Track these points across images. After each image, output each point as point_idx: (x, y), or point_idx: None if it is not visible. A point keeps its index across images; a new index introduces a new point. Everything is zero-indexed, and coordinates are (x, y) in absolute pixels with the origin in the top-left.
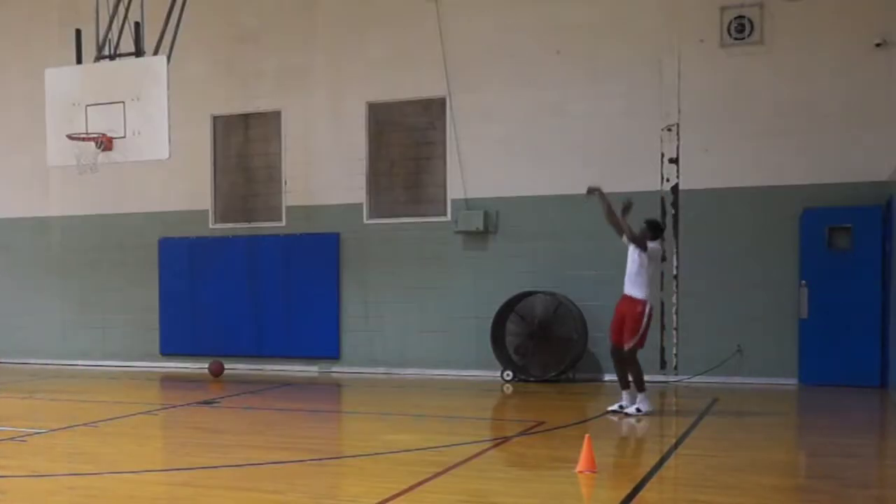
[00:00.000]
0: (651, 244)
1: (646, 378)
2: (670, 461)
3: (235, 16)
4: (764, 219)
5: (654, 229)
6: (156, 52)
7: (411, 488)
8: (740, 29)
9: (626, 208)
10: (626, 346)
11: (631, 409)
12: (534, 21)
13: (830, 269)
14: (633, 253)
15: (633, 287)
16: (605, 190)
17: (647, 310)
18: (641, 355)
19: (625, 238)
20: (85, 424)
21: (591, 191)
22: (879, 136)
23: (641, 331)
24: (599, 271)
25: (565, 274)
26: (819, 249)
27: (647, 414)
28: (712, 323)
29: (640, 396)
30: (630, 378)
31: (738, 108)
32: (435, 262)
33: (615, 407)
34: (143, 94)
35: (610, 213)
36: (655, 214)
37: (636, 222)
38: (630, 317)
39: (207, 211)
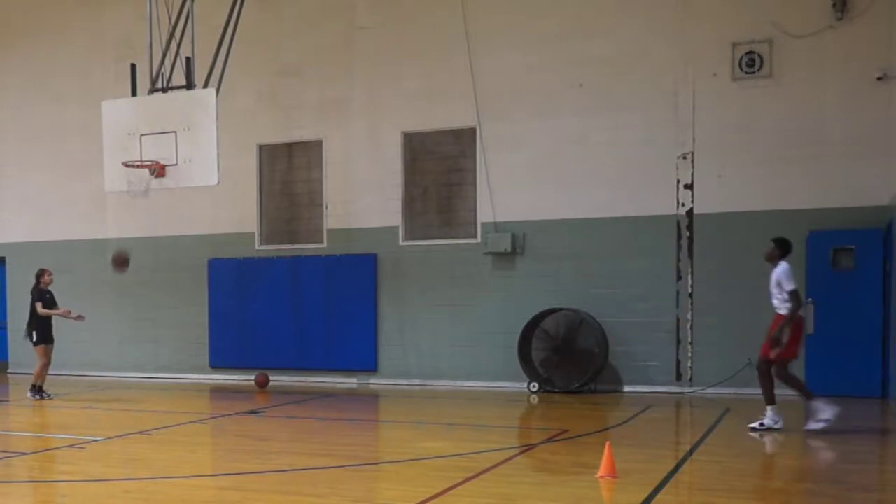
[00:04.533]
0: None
1: (662, 390)
2: (685, 466)
3: (279, 51)
4: None
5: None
6: (205, 85)
7: (444, 492)
8: (751, 64)
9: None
10: (770, 359)
11: (756, 424)
12: (557, 56)
13: (835, 287)
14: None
15: (776, 303)
16: (620, 213)
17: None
18: (660, 367)
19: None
20: (139, 432)
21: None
22: (880, 163)
23: (782, 342)
24: (619, 289)
25: (587, 292)
26: (824, 269)
27: (769, 429)
28: (725, 338)
29: (815, 405)
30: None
31: (749, 137)
32: (466, 282)
33: (756, 424)
34: (193, 124)
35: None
36: (671, 237)
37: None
38: (771, 330)
39: (254, 233)
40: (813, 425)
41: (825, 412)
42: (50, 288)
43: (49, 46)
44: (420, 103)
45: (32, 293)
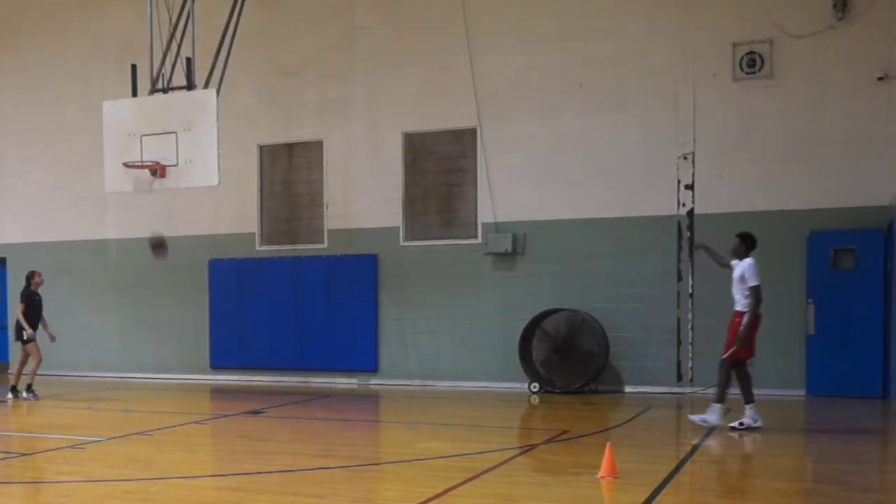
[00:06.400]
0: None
1: (663, 390)
2: (686, 467)
3: (280, 52)
4: (773, 241)
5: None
6: (206, 86)
7: (444, 492)
8: (751, 64)
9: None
10: (723, 356)
11: (735, 424)
12: (558, 57)
13: (835, 288)
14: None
15: (737, 303)
16: (620, 213)
17: (742, 321)
18: (660, 367)
19: (733, 263)
20: (140, 433)
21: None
22: (881, 163)
23: (737, 341)
24: (620, 290)
25: (588, 292)
26: (825, 270)
27: (748, 427)
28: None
29: (715, 406)
30: (741, 390)
31: (750, 137)
32: (466, 282)
33: (735, 424)
34: (194, 124)
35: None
36: (672, 237)
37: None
38: (730, 330)
39: (254, 234)
40: (732, 423)
41: (750, 419)
42: (40, 290)
43: (49, 47)
44: (420, 103)
45: (21, 294)
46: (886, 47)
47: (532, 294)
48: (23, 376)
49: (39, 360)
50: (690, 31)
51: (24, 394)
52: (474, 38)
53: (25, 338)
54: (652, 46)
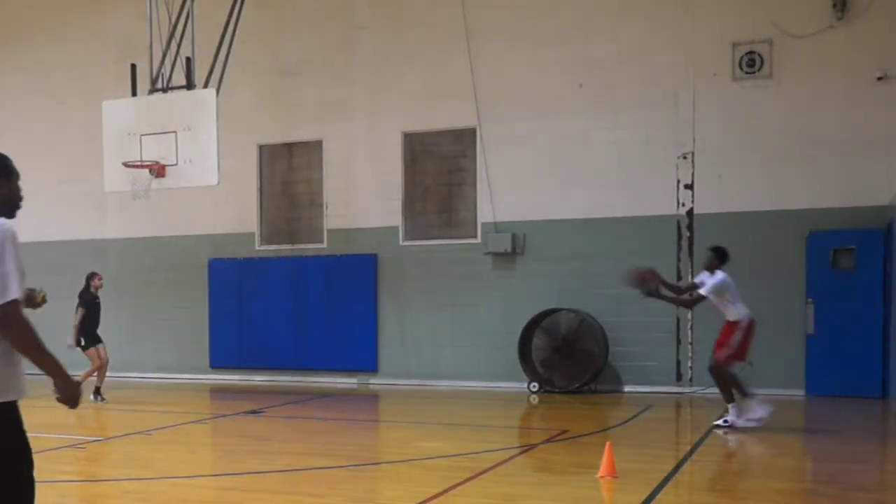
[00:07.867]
0: (719, 275)
1: (662, 390)
2: (685, 467)
3: (279, 51)
4: (773, 241)
5: (723, 256)
6: (206, 86)
7: (444, 492)
8: (751, 64)
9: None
10: (718, 359)
11: (740, 422)
12: (558, 56)
13: (835, 287)
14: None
15: (727, 314)
16: (620, 213)
17: (741, 326)
18: (660, 367)
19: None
20: (139, 433)
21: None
22: (881, 163)
23: (734, 345)
24: (619, 290)
25: (588, 292)
26: (824, 269)
27: (758, 420)
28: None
29: (750, 404)
30: (732, 390)
31: (750, 137)
32: (466, 282)
33: (720, 421)
34: (193, 124)
35: (675, 300)
36: (671, 237)
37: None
38: (724, 334)
39: (254, 234)
40: (743, 423)
41: (759, 411)
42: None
43: (49, 46)
44: (420, 103)
45: (81, 297)
46: (886, 47)
47: (532, 294)
48: (92, 378)
49: (100, 365)
50: (690, 31)
51: (92, 397)
52: (474, 38)
53: (82, 345)
54: (652, 46)
